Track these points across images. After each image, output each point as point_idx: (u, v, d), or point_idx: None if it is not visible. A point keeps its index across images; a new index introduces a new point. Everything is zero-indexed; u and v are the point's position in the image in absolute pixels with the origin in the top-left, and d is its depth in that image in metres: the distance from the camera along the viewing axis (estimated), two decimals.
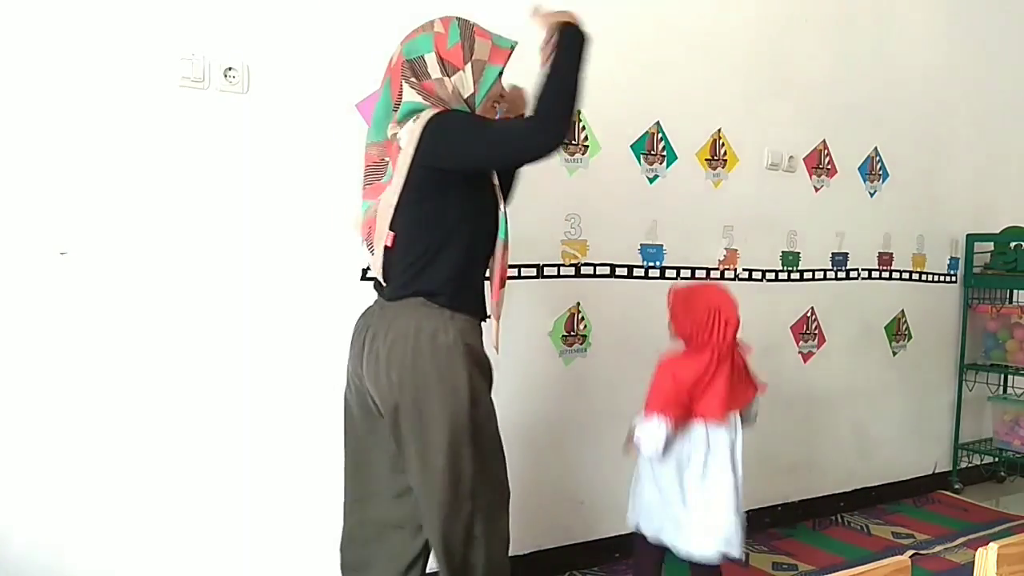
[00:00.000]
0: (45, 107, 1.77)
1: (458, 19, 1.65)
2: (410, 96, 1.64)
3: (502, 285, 1.68)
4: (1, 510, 1.79)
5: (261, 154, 2.00)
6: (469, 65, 1.61)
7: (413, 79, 1.62)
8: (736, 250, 2.89)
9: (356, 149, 2.08)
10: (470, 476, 1.62)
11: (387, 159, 1.68)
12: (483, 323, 1.69)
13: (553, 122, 1.54)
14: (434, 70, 1.61)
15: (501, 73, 1.65)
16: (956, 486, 3.66)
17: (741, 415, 2.01)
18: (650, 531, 2.01)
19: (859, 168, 3.25)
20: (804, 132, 3.05)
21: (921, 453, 3.63)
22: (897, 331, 3.47)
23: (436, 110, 1.60)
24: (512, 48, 1.67)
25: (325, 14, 2.05)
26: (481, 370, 1.65)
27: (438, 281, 1.60)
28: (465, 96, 1.63)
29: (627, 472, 2.69)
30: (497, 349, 1.68)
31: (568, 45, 1.59)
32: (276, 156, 2.02)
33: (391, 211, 1.62)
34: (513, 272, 2.28)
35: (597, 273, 2.57)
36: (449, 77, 1.61)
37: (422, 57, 1.61)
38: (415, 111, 1.63)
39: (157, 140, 1.88)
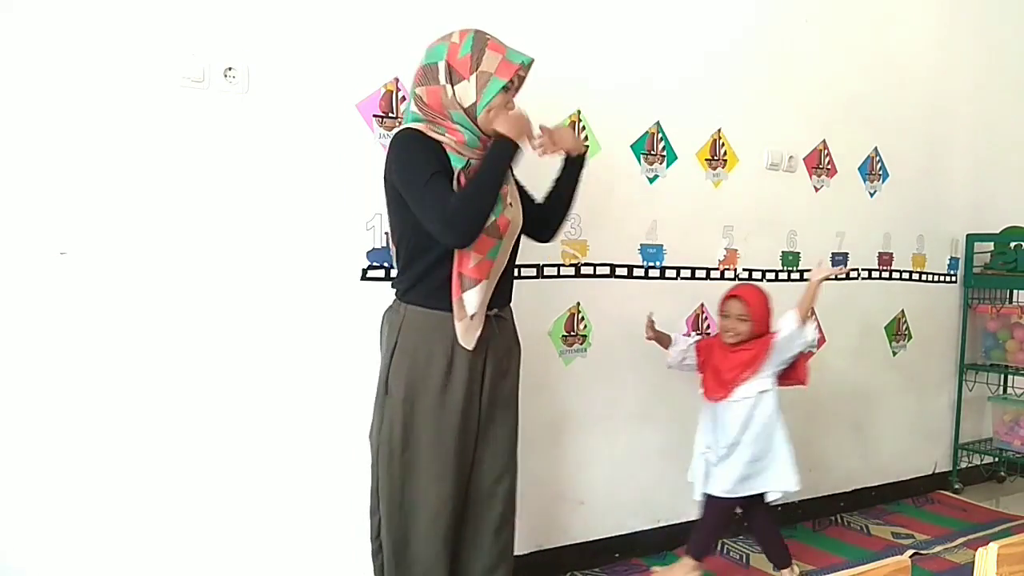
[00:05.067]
0: (45, 107, 1.77)
1: (476, 32, 1.73)
2: (411, 106, 1.78)
3: (461, 285, 1.74)
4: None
5: (261, 154, 2.00)
6: (474, 76, 1.69)
7: (421, 85, 1.73)
8: (736, 250, 2.89)
9: (356, 149, 2.10)
10: (374, 464, 1.83)
11: None
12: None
13: (463, 223, 1.67)
14: (442, 77, 1.70)
15: (506, 87, 1.72)
16: (956, 486, 3.66)
17: None
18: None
19: (859, 168, 3.25)
20: (804, 132, 3.05)
21: (921, 453, 3.63)
22: (897, 331, 3.47)
23: (405, 127, 1.74)
24: (524, 64, 1.74)
25: (325, 14, 2.05)
26: (413, 362, 1.74)
27: (405, 282, 1.80)
28: (466, 105, 1.71)
29: (627, 472, 2.69)
30: (465, 344, 1.75)
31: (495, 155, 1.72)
32: (276, 156, 2.02)
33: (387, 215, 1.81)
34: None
35: (597, 273, 2.57)
36: (453, 85, 1.70)
37: (435, 64, 1.72)
38: (413, 119, 1.77)
39: (157, 140, 1.88)
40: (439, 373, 1.74)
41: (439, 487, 1.76)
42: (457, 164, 1.71)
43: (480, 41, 1.71)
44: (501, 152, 1.70)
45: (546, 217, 1.98)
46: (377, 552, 1.86)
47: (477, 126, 1.73)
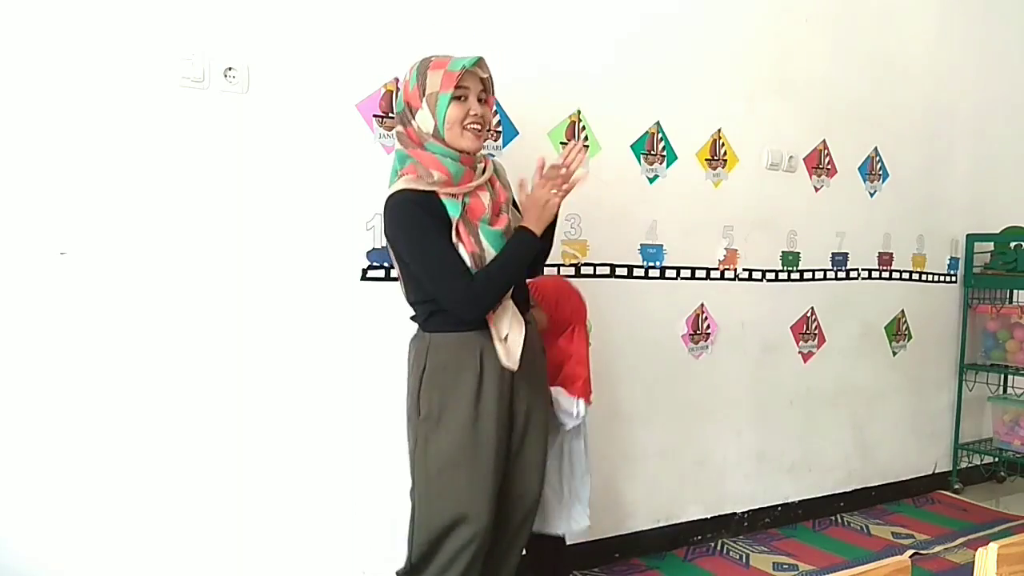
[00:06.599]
0: (45, 107, 1.77)
1: (420, 60, 1.75)
2: (396, 144, 1.81)
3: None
4: None
5: (261, 154, 2.00)
6: (424, 101, 1.71)
7: (400, 127, 1.77)
8: (736, 250, 2.89)
9: (356, 149, 2.10)
10: (414, 486, 1.82)
11: None
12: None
13: (487, 303, 1.71)
14: (407, 117, 1.74)
15: (456, 97, 1.69)
16: (956, 486, 3.66)
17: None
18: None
19: (859, 168, 3.25)
20: (804, 132, 3.05)
21: (921, 453, 3.63)
22: (897, 331, 3.47)
23: (393, 190, 1.72)
24: (466, 67, 1.70)
25: (325, 14, 2.05)
26: (436, 383, 1.75)
27: (423, 314, 1.80)
28: (430, 132, 1.72)
29: (627, 472, 2.69)
30: (510, 366, 1.73)
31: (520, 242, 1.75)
32: (276, 156, 2.02)
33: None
34: None
35: (597, 273, 2.57)
36: (414, 119, 1.73)
37: (403, 108, 1.76)
38: (400, 162, 1.77)
39: (157, 140, 1.87)
40: (469, 390, 1.72)
41: (478, 505, 1.74)
42: (454, 212, 1.69)
43: (423, 67, 1.72)
44: (524, 244, 1.74)
45: None
46: (408, 574, 1.84)
47: (448, 147, 1.72)
